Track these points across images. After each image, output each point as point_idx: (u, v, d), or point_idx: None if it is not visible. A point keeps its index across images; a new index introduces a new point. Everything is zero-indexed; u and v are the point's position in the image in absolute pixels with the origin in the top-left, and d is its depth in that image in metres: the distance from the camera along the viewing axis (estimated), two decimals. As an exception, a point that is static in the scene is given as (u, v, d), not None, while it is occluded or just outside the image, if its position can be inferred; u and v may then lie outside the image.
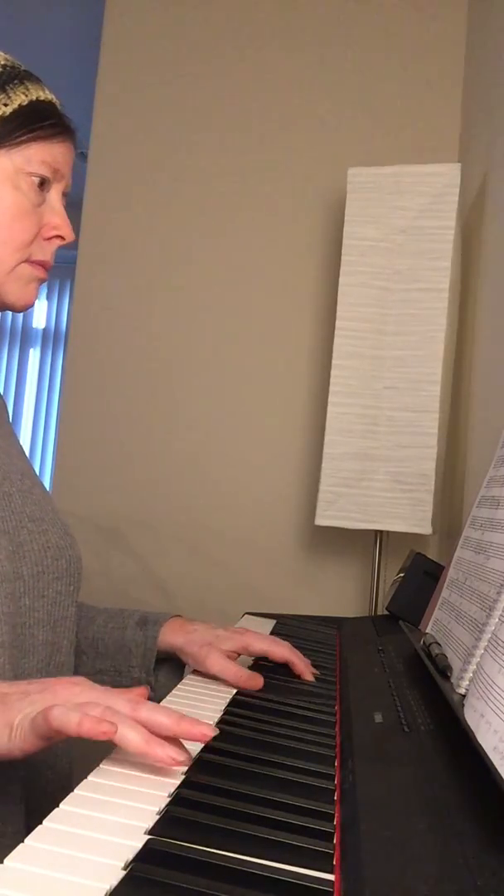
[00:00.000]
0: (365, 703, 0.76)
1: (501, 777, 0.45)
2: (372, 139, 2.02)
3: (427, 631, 0.84)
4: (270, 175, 2.08)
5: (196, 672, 0.87)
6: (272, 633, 1.08)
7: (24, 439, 4.88)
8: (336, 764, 0.62)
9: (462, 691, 0.61)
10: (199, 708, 0.73)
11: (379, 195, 1.65)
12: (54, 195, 0.87)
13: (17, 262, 0.84)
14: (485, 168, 1.67)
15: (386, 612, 1.18)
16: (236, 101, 2.11)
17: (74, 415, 2.14)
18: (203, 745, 0.60)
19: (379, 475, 1.61)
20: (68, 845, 0.43)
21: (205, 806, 0.50)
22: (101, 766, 0.56)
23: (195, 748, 0.59)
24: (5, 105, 0.81)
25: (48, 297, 5.02)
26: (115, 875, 0.41)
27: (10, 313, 0.91)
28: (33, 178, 0.83)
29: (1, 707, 0.57)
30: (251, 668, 0.87)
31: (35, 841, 0.44)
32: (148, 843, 0.44)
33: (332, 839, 0.48)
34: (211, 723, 0.60)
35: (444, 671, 0.67)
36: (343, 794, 0.55)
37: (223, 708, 0.74)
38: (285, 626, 1.16)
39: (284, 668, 0.89)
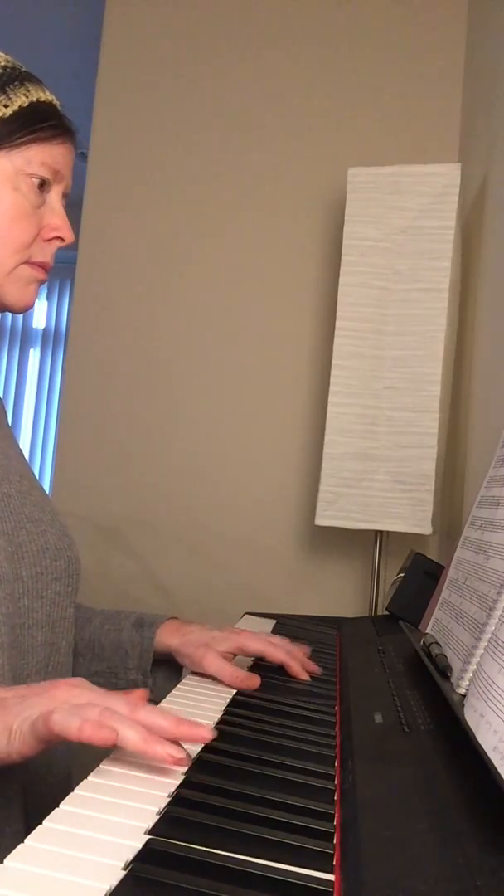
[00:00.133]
0: (365, 704, 0.76)
1: (501, 777, 0.45)
2: (372, 139, 2.02)
3: (427, 631, 0.84)
4: (270, 175, 2.08)
5: (196, 672, 0.87)
6: (272, 633, 1.08)
7: (24, 440, 4.88)
8: (336, 764, 0.62)
9: (462, 691, 0.61)
10: (199, 708, 0.73)
11: (379, 195, 1.65)
12: (54, 196, 0.87)
13: (17, 263, 0.84)
14: (485, 168, 1.67)
15: (386, 612, 1.18)
16: (236, 101, 2.11)
17: (74, 415, 2.14)
18: (203, 745, 0.60)
19: (379, 475, 1.61)
20: (68, 845, 0.43)
21: (205, 806, 0.50)
22: (100, 766, 0.56)
23: (195, 748, 0.59)
24: (5, 106, 0.81)
25: (48, 298, 5.02)
26: (116, 875, 0.41)
27: (10, 313, 0.91)
28: (33, 179, 0.83)
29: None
30: (250, 668, 0.87)
31: (35, 841, 0.44)
32: (148, 843, 0.45)
33: (332, 839, 0.48)
34: (211, 723, 0.61)
35: (444, 671, 0.67)
36: (343, 795, 0.55)
37: (223, 708, 0.74)
38: (285, 627, 1.16)
39: (284, 668, 0.89)
